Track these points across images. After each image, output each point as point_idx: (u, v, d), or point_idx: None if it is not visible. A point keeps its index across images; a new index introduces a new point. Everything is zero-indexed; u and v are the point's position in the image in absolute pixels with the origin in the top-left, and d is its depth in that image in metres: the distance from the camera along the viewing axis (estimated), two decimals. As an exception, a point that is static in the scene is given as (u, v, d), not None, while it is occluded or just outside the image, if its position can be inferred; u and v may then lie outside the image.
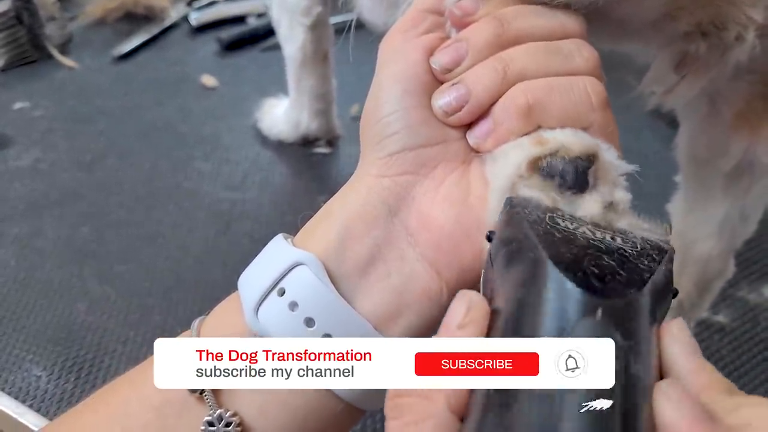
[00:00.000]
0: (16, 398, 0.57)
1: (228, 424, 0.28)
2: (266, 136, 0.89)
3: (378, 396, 0.28)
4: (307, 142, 0.87)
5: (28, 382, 0.58)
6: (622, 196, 0.28)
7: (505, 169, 0.28)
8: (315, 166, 0.86)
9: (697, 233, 0.51)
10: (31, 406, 0.56)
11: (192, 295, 0.67)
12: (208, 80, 0.99)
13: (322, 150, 0.87)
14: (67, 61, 1.04)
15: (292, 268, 0.29)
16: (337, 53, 0.81)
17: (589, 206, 0.26)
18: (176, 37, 1.12)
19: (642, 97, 0.44)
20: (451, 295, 0.28)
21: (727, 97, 0.43)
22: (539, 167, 0.26)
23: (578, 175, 0.26)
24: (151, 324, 0.64)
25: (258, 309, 0.29)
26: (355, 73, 0.88)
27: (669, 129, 0.82)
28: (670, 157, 0.54)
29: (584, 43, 0.30)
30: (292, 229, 0.32)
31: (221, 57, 1.07)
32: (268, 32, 0.99)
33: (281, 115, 0.87)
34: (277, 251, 0.30)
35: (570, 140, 0.27)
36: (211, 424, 0.28)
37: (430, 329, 0.29)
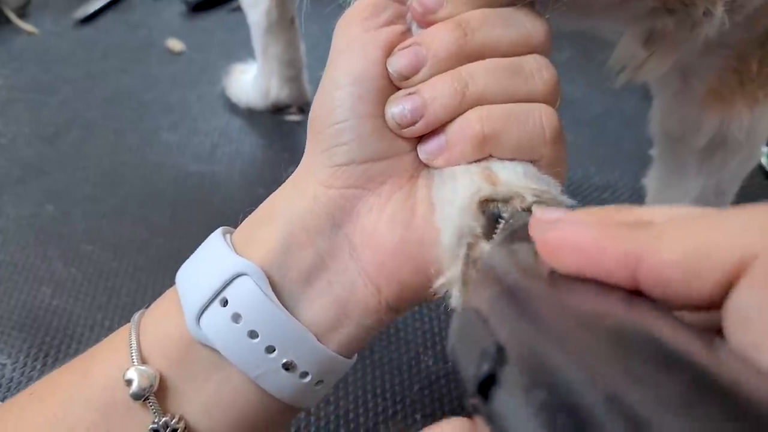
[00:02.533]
0: (-19, 388, 0.56)
1: (174, 431, 0.29)
2: (235, 103, 0.86)
3: (311, 395, 0.30)
4: (277, 110, 0.85)
5: (-7, 371, 0.57)
6: None
7: (454, 201, 0.27)
8: (286, 134, 0.83)
9: (672, 209, 0.50)
10: (-3, 396, 0.56)
11: (161, 275, 0.66)
12: (175, 45, 0.96)
13: (294, 117, 0.85)
14: (26, 26, 0.99)
15: (235, 277, 0.28)
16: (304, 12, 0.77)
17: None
18: (140, -3, 1.07)
19: (611, 73, 0.42)
20: (389, 309, 0.29)
21: (699, 73, 0.42)
22: (487, 211, 0.27)
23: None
24: (119, 306, 0.63)
25: (200, 317, 0.29)
26: (324, 34, 0.84)
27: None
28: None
29: (546, 62, 0.28)
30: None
31: (187, 19, 1.02)
32: (236, -9, 0.95)
33: (250, 82, 0.84)
34: (219, 256, 0.30)
35: (520, 186, 0.27)
36: (156, 431, 0.29)
37: (367, 338, 0.30)
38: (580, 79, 0.84)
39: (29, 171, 0.77)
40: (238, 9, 0.99)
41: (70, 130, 0.83)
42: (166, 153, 0.80)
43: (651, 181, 0.52)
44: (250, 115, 0.85)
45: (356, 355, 0.32)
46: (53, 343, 0.60)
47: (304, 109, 0.85)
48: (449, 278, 0.27)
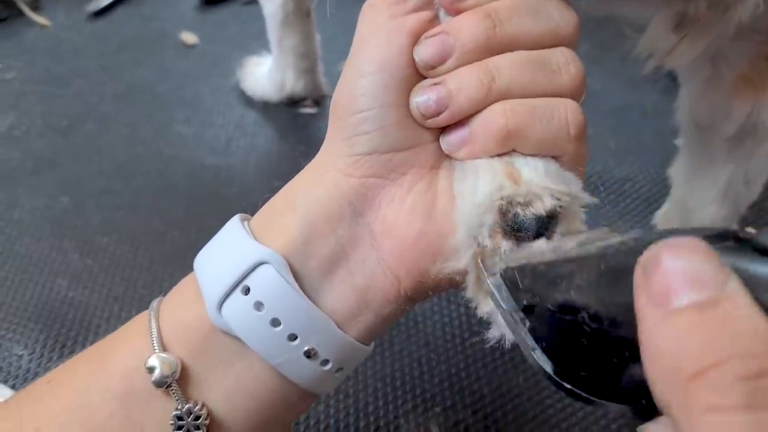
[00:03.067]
0: (-3, 379, 0.56)
1: (197, 417, 0.29)
2: (250, 96, 0.86)
3: (330, 381, 0.30)
4: (293, 102, 0.84)
5: (9, 362, 0.57)
6: (579, 227, 0.28)
7: (474, 196, 0.27)
8: (302, 127, 0.83)
9: (699, 200, 0.49)
10: (13, 387, 0.55)
11: (177, 267, 0.65)
12: (188, 37, 0.95)
13: (309, 110, 0.84)
14: (39, 18, 0.99)
15: (257, 266, 0.28)
16: (319, 4, 0.77)
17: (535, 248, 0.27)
18: (154, -9, 1.07)
19: (639, 59, 0.41)
20: (408, 298, 0.29)
21: (730, 59, 0.41)
22: (507, 212, 0.27)
23: (537, 234, 0.27)
24: (135, 298, 0.63)
25: (221, 305, 0.28)
26: (341, 26, 0.84)
27: (669, 80, 0.79)
28: (670, 110, 0.52)
29: (573, 56, 0.28)
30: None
31: (201, 12, 1.02)
32: (250, -16, 0.94)
33: (265, 75, 0.84)
34: (239, 243, 0.29)
35: (542, 185, 0.27)
36: (180, 418, 0.29)
37: (385, 326, 0.30)
38: (599, 71, 0.83)
39: (43, 163, 0.77)
40: (251, 2, 0.99)
41: (83, 122, 0.83)
42: (181, 146, 0.79)
43: (677, 170, 0.51)
44: (264, 107, 0.85)
45: (374, 342, 0.32)
46: (69, 334, 0.60)
47: (319, 101, 0.84)
48: (454, 269, 0.27)
